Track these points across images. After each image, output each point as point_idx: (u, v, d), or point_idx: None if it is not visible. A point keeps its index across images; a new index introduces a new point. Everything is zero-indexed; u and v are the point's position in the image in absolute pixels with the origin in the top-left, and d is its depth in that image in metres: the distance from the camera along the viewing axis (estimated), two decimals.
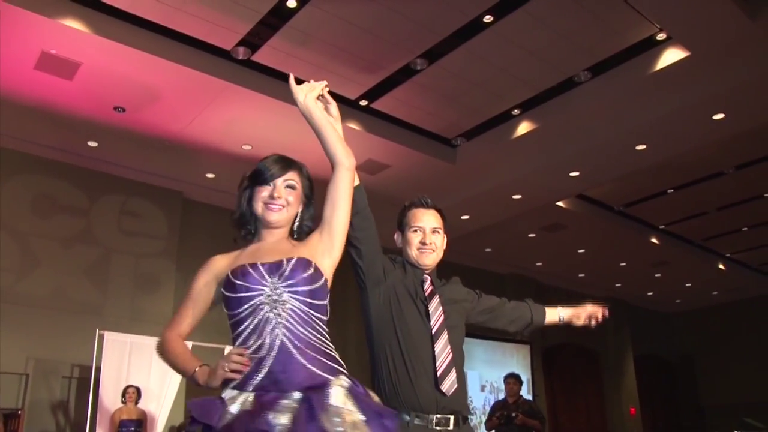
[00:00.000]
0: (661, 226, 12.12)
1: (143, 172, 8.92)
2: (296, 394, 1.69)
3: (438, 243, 2.51)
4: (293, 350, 1.76)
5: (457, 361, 2.32)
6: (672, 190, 10.38)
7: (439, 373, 2.23)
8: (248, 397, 1.72)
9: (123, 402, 7.07)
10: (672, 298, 16.26)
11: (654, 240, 12.22)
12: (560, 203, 10.25)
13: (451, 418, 2.23)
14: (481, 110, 7.88)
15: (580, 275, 14.13)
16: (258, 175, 2.02)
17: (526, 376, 12.61)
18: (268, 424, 1.60)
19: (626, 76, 6.98)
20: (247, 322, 1.82)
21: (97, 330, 7.41)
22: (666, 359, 17.04)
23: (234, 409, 1.69)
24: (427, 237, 2.48)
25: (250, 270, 1.85)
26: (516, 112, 7.87)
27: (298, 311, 1.81)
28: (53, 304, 8.00)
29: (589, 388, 14.84)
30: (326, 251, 2.00)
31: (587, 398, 14.66)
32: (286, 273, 1.84)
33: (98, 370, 7.19)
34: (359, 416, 1.64)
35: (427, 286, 2.44)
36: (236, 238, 2.08)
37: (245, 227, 2.03)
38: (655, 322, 16.89)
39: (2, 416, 6.81)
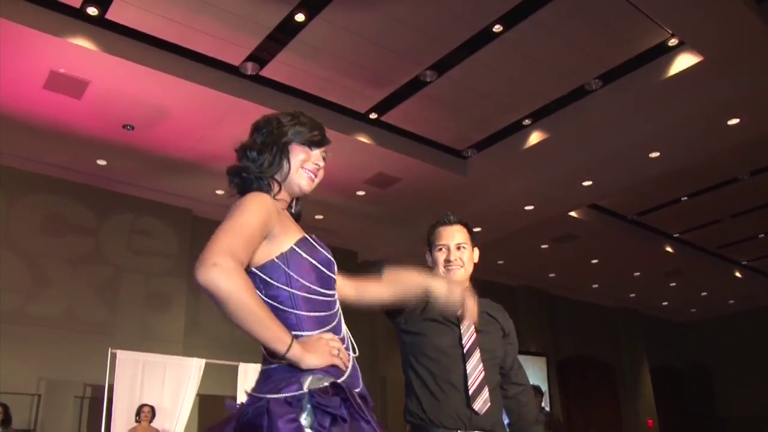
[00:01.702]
0: (675, 235, 12.03)
1: (152, 190, 8.93)
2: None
3: (465, 258, 2.48)
4: (350, 351, 1.65)
5: (491, 380, 2.29)
6: (686, 198, 10.29)
7: (471, 392, 2.22)
8: (355, 395, 1.51)
9: (137, 421, 7.03)
10: (687, 308, 16.12)
11: (668, 249, 12.12)
12: (573, 213, 10.19)
13: None
14: (492, 121, 7.85)
15: (594, 286, 14.04)
16: (304, 135, 1.75)
17: (543, 389, 12.48)
18: (374, 422, 1.50)
19: (638, 83, 6.94)
20: (334, 311, 1.63)
21: (110, 349, 7.39)
22: (682, 370, 16.87)
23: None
24: (452, 254, 2.46)
25: (329, 249, 1.69)
26: (527, 122, 7.83)
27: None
28: (64, 325, 7.99)
29: (605, 400, 14.69)
30: None
31: (603, 410, 14.51)
32: (336, 267, 1.72)
33: (111, 389, 7.16)
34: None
35: None
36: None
37: (272, 182, 1.71)
38: (670, 332, 16.74)
39: None
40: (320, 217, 9.91)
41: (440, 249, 2.49)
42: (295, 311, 1.56)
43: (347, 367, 1.55)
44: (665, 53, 6.64)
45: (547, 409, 11.55)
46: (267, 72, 6.83)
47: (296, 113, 1.81)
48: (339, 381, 1.48)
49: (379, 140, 7.88)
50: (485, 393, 2.22)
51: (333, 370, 1.51)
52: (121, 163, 8.31)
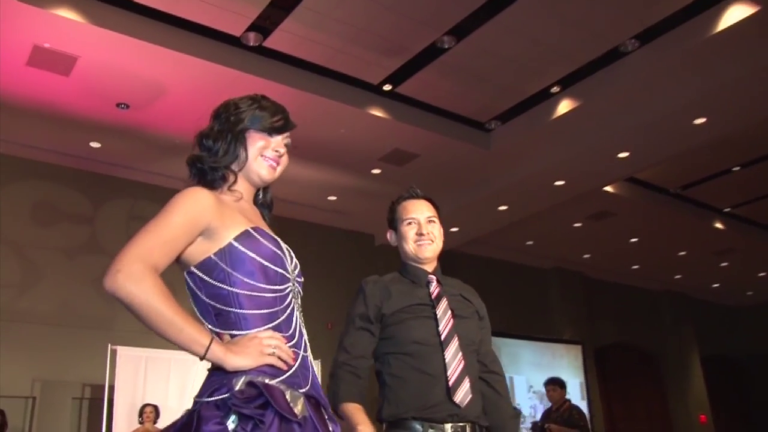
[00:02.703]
0: (726, 209, 11.97)
1: (151, 173, 9.07)
2: (324, 411, 1.65)
3: (436, 233, 2.51)
4: (309, 355, 1.70)
5: (471, 369, 2.33)
6: (738, 168, 10.21)
7: (451, 383, 2.24)
8: (298, 399, 1.55)
9: (140, 422, 7.19)
10: (742, 290, 16.03)
11: (718, 225, 12.08)
12: (608, 188, 10.19)
13: (468, 426, 2.27)
14: (517, 89, 7.86)
15: (634, 267, 14.03)
16: (261, 121, 1.79)
17: (578, 380, 12.55)
18: (319, 424, 1.54)
19: (681, 42, 6.84)
20: (281, 306, 1.65)
21: (109, 345, 7.52)
22: (737, 359, 16.78)
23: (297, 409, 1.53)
24: (423, 227, 2.48)
25: (279, 241, 1.71)
26: (555, 89, 7.83)
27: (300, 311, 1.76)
28: (59, 320, 8.15)
29: (650, 392, 14.71)
30: None
31: (648, 404, 14.53)
32: (297, 264, 1.78)
33: (111, 388, 7.31)
34: None
35: (434, 288, 2.45)
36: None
37: (227, 172, 1.75)
38: (722, 317, 16.64)
39: None
40: (333, 198, 10.00)
41: (409, 223, 2.50)
42: (234, 309, 1.60)
43: (290, 366, 1.58)
44: (712, 6, 6.49)
45: (582, 402, 11.64)
46: (271, 42, 6.88)
47: (256, 97, 1.85)
48: (272, 381, 1.52)
49: (394, 114, 7.93)
50: (466, 384, 2.25)
51: (269, 369, 1.54)
52: (116, 145, 8.43)
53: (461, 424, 2.24)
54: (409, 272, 2.51)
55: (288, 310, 1.66)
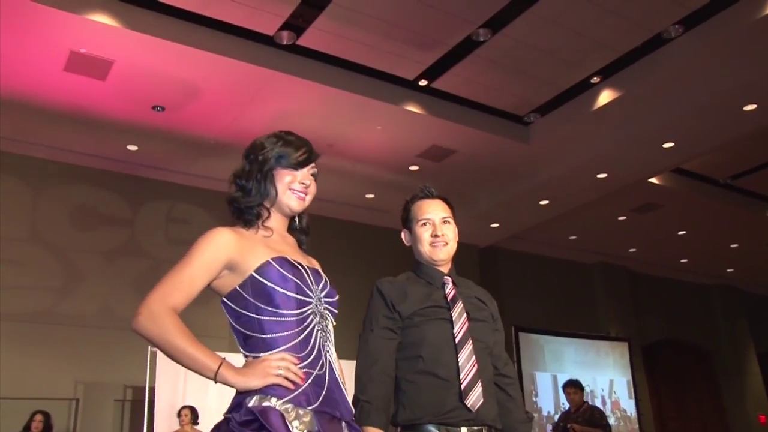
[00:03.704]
0: None
1: (188, 174, 9.22)
2: (344, 425, 1.80)
3: (450, 234, 2.51)
4: (337, 375, 1.87)
5: (484, 372, 2.34)
6: None
7: (463, 387, 2.26)
8: (305, 415, 1.71)
9: (180, 424, 7.31)
10: None
11: None
12: (653, 180, 10.08)
13: (483, 429, 2.28)
14: (556, 81, 7.83)
15: (683, 261, 13.85)
16: (287, 158, 1.98)
17: (625, 378, 12.44)
18: None
19: (727, 26, 6.73)
20: (300, 328, 1.81)
21: (149, 348, 7.65)
22: None
23: (296, 426, 1.68)
24: (438, 228, 2.48)
25: (299, 268, 1.87)
26: (595, 79, 7.78)
27: (331, 334, 1.93)
28: (101, 323, 8.34)
29: (703, 390, 14.50)
30: None
31: (701, 403, 14.33)
32: (328, 287, 1.95)
33: (152, 391, 7.45)
34: None
35: (449, 290, 2.45)
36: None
37: (260, 209, 1.96)
38: None
39: None
40: (371, 196, 10.06)
41: (424, 224, 2.51)
42: (256, 334, 1.80)
43: (299, 386, 1.74)
44: None
45: (630, 401, 11.54)
46: (304, 41, 6.96)
47: (280, 134, 2.05)
48: (279, 401, 1.70)
49: (430, 109, 7.96)
50: (478, 388, 2.26)
51: (277, 389, 1.71)
52: (152, 147, 8.59)
53: (476, 427, 2.26)
54: (425, 273, 2.51)
55: (306, 332, 1.82)
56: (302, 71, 7.14)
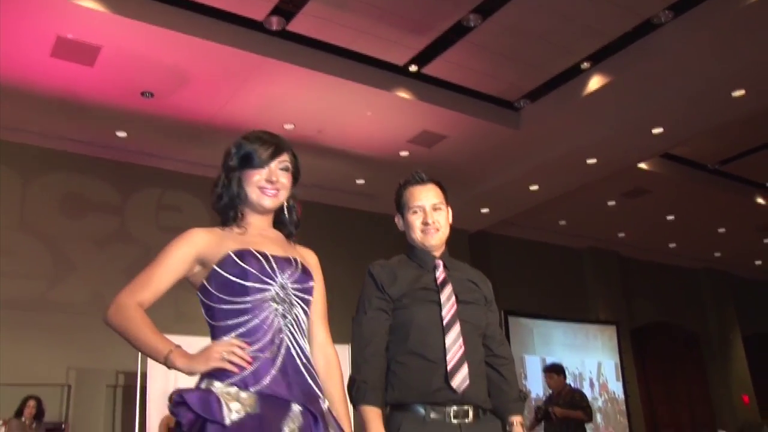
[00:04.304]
0: None
1: (179, 161, 9.19)
2: (296, 407, 1.83)
3: (442, 220, 2.52)
4: (297, 360, 1.91)
5: (471, 355, 2.36)
6: None
7: (449, 368, 2.29)
8: (248, 398, 1.77)
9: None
10: None
11: (759, 200, 11.95)
12: (643, 165, 10.12)
13: (470, 409, 2.31)
14: (546, 67, 7.82)
15: (671, 245, 13.91)
16: (251, 159, 2.03)
17: (613, 361, 12.54)
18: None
19: (717, 12, 6.74)
20: (251, 315, 1.88)
21: None
22: None
23: (235, 407, 1.74)
24: (429, 216, 2.50)
25: (260, 258, 1.93)
26: (585, 65, 7.78)
27: (300, 319, 1.98)
28: (91, 310, 8.30)
29: (690, 373, 14.61)
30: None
31: (688, 385, 14.44)
32: (296, 275, 2.00)
33: (144, 376, 7.45)
34: None
35: (440, 273, 2.47)
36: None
37: (233, 211, 2.05)
38: (765, 295, 16.40)
39: (45, 431, 7.14)
40: (361, 182, 10.05)
41: (415, 212, 2.52)
42: (215, 323, 1.93)
43: (243, 369, 1.80)
44: None
45: (618, 384, 11.62)
46: (294, 26, 6.93)
47: (247, 136, 2.09)
48: (222, 383, 1.79)
49: (421, 95, 7.94)
50: (464, 369, 2.29)
51: (219, 372, 1.79)
52: (142, 133, 8.55)
53: (465, 407, 2.29)
54: (417, 256, 2.54)
55: (259, 318, 1.89)
56: (292, 57, 7.11)
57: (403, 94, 7.82)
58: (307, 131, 8.50)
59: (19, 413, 6.87)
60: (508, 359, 2.56)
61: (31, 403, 6.95)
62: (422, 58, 7.56)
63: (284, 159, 2.07)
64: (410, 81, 7.87)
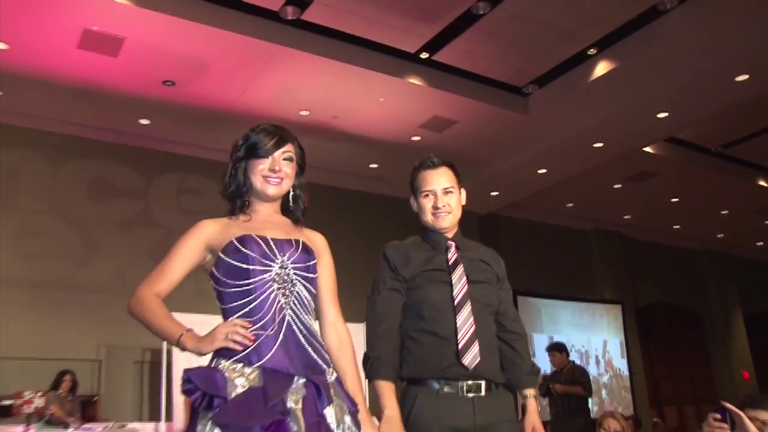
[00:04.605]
0: None
1: (199, 146, 9.21)
2: (299, 379, 1.88)
3: (453, 203, 2.50)
4: (299, 335, 1.95)
5: (482, 333, 2.36)
6: None
7: (460, 346, 2.30)
8: (252, 372, 1.84)
9: None
10: None
11: (761, 183, 11.83)
12: (648, 149, 10.03)
13: (483, 383, 2.32)
14: (553, 53, 7.75)
15: (675, 227, 13.83)
16: (255, 149, 2.08)
17: (618, 339, 12.54)
18: (284, 406, 1.80)
19: None
20: (254, 296, 1.93)
21: None
22: None
23: (239, 382, 1.81)
24: (439, 200, 2.48)
25: (260, 242, 1.98)
26: (592, 51, 7.71)
27: (302, 296, 2.01)
28: (117, 289, 8.37)
29: (693, 352, 14.55)
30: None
31: (691, 364, 14.39)
32: (296, 255, 2.03)
33: (169, 353, 7.51)
34: (346, 404, 1.96)
35: (452, 254, 2.47)
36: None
37: (240, 199, 2.11)
38: (766, 275, 16.30)
39: (79, 403, 7.24)
40: (374, 166, 10.05)
41: (426, 195, 2.51)
42: (223, 305, 1.99)
43: (246, 347, 1.86)
44: None
45: (623, 361, 11.60)
46: (308, 15, 6.90)
47: (253, 128, 2.14)
48: (229, 360, 1.85)
49: (431, 81, 7.91)
50: (475, 347, 2.30)
51: (228, 352, 1.85)
52: (164, 121, 8.59)
53: (477, 381, 2.30)
54: (430, 238, 2.53)
55: (260, 298, 1.93)
56: (306, 45, 7.10)
57: (415, 81, 7.79)
58: (322, 117, 8.50)
59: (55, 386, 6.96)
60: (521, 335, 2.57)
61: (67, 377, 7.04)
62: (433, 46, 7.51)
63: (288, 149, 2.11)
64: (421, 68, 7.83)
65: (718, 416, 2.47)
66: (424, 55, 7.67)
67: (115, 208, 8.88)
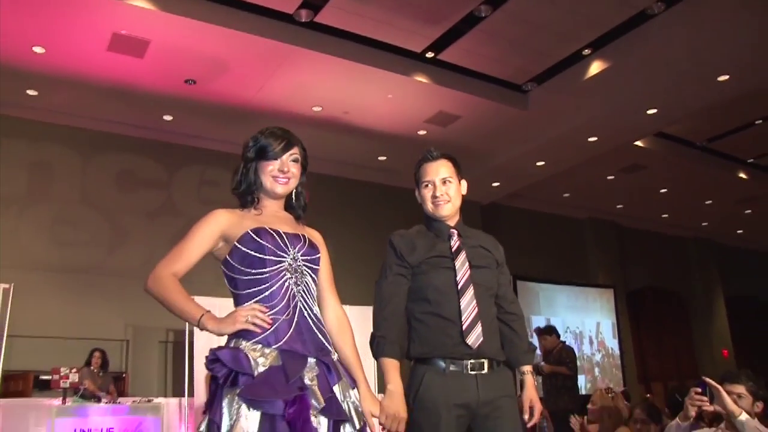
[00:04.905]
0: (750, 160, 11.62)
1: (218, 141, 9.18)
2: (311, 359, 1.94)
3: (452, 192, 2.49)
4: (309, 320, 2.00)
5: (484, 315, 2.37)
6: (760, 121, 9.87)
7: (464, 327, 2.31)
8: (271, 353, 1.87)
9: None
10: (764, 235, 15.58)
11: (741, 175, 11.75)
12: (639, 143, 9.99)
13: (485, 362, 2.33)
14: (551, 53, 7.70)
15: (664, 216, 13.78)
16: (265, 151, 2.11)
17: (610, 321, 12.53)
18: (302, 383, 1.85)
19: (703, 4, 6.63)
20: (269, 284, 1.97)
21: None
22: (759, 299, 16.40)
23: (261, 361, 1.85)
24: (438, 189, 2.47)
25: (274, 234, 2.02)
26: (587, 52, 7.65)
27: (309, 286, 2.06)
28: (144, 274, 8.24)
29: (677, 331, 14.53)
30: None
31: (676, 342, 14.37)
32: (305, 249, 2.08)
33: (192, 333, 7.53)
34: (348, 381, 2.03)
35: (454, 241, 2.46)
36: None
37: (250, 196, 2.13)
38: (747, 261, 16.24)
39: (111, 378, 7.29)
40: (383, 158, 10.02)
41: (426, 185, 2.51)
42: (237, 292, 2.00)
43: (264, 330, 1.89)
44: None
45: (614, 341, 11.59)
46: (321, 18, 6.87)
47: (263, 131, 2.16)
48: (249, 341, 1.88)
49: (437, 79, 7.87)
50: (478, 328, 2.31)
51: (248, 334, 1.89)
52: (186, 117, 8.58)
53: (480, 360, 2.32)
54: (433, 226, 2.53)
55: (276, 285, 1.97)
56: (320, 46, 7.08)
57: (421, 79, 7.75)
58: (334, 112, 8.47)
59: (88, 363, 6.99)
60: (518, 316, 2.56)
61: (97, 354, 7.07)
62: (438, 46, 7.47)
63: (295, 152, 2.13)
64: (427, 66, 7.80)
65: (699, 390, 2.64)
66: (429, 55, 7.63)
67: (141, 199, 8.90)
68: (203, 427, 1.85)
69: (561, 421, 6.09)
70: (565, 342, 7.29)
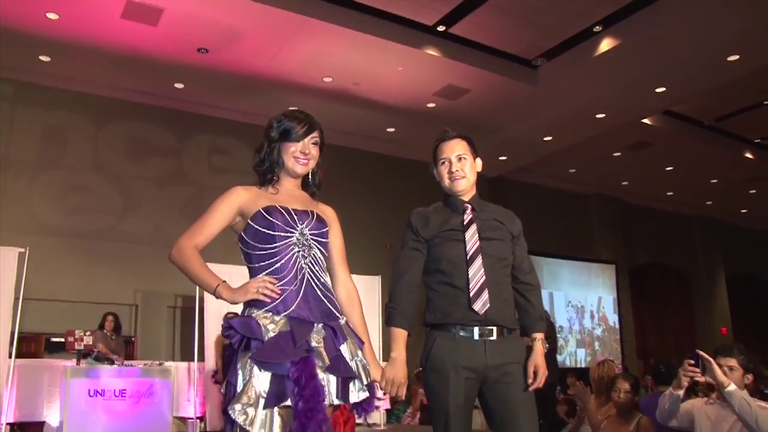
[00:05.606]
0: (756, 140, 11.53)
1: (229, 110, 9.17)
2: (318, 325, 2.08)
3: (466, 168, 2.61)
4: (317, 289, 2.14)
5: (493, 283, 2.47)
6: None
7: (471, 294, 2.43)
8: (281, 320, 2.02)
9: None
10: None
11: (748, 155, 11.67)
12: (646, 120, 9.93)
13: (494, 329, 2.44)
14: (561, 29, 7.62)
15: (669, 194, 13.72)
16: (289, 134, 2.23)
17: (612, 296, 12.55)
18: (309, 345, 2.00)
19: None
20: (279, 257, 2.11)
21: None
22: (760, 278, 16.38)
23: (271, 328, 2.00)
24: (453, 165, 2.59)
25: (284, 212, 2.15)
26: (597, 28, 7.57)
27: (318, 257, 2.19)
28: (154, 241, 8.44)
29: (679, 308, 14.56)
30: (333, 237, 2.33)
31: (676, 319, 14.40)
32: (312, 224, 2.20)
33: (201, 300, 7.57)
34: (356, 342, 2.16)
35: (467, 215, 2.58)
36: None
37: (271, 174, 2.25)
38: (750, 240, 16.19)
39: (124, 342, 7.36)
40: (392, 130, 9.98)
41: (443, 163, 2.63)
42: (250, 265, 2.15)
43: (274, 299, 2.03)
44: None
45: (614, 317, 11.61)
46: None
47: (286, 113, 2.29)
48: (260, 310, 2.03)
49: (447, 52, 7.81)
50: (485, 295, 2.42)
51: (256, 302, 2.04)
52: (197, 85, 8.54)
53: (489, 327, 2.43)
54: (450, 202, 2.65)
55: (284, 259, 2.11)
56: (332, 17, 7.02)
57: (431, 52, 7.69)
58: (344, 84, 8.42)
59: (101, 326, 7.06)
60: (533, 285, 2.66)
61: (110, 318, 7.12)
62: (449, 19, 7.41)
63: (315, 135, 2.26)
64: (438, 39, 7.74)
65: (692, 362, 2.79)
66: (441, 28, 7.57)
67: (151, 166, 8.90)
68: (223, 389, 2.00)
69: (542, 394, 6.13)
70: (548, 316, 7.32)
